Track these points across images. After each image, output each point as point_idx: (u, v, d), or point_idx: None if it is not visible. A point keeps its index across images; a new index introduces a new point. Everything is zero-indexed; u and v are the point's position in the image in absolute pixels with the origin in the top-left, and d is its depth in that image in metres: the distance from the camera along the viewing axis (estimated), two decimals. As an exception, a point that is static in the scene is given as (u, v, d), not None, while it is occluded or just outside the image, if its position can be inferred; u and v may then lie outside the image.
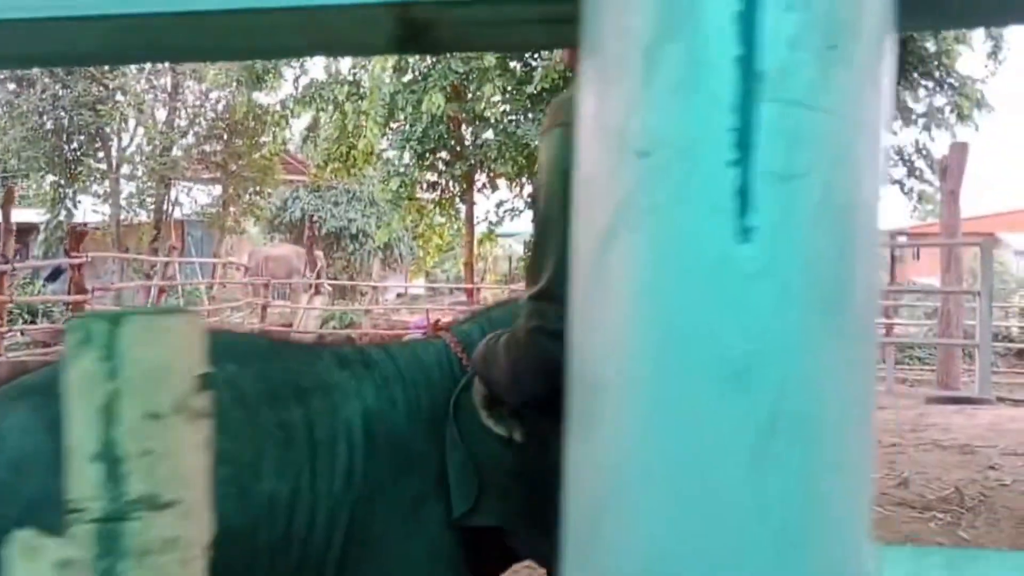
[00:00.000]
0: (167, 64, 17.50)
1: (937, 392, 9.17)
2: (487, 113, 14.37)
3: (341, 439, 1.54)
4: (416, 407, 1.59)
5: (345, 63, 15.93)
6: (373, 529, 1.51)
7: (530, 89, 14.49)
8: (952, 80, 15.29)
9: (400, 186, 15.00)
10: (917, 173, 15.97)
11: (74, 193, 16.93)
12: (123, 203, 16.77)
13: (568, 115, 1.24)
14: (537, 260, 1.26)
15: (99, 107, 16.16)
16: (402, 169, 15.25)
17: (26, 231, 19.14)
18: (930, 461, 5.90)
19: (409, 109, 15.00)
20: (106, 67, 16.34)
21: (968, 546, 4.26)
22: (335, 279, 19.77)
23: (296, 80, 15.52)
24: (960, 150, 11.32)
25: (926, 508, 4.77)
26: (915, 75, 15.39)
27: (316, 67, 16.08)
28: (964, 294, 10.38)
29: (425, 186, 16.42)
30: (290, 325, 13.90)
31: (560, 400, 1.24)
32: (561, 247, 1.20)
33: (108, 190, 16.98)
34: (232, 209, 18.05)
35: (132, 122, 16.95)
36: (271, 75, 14.80)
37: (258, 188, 17.55)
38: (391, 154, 15.58)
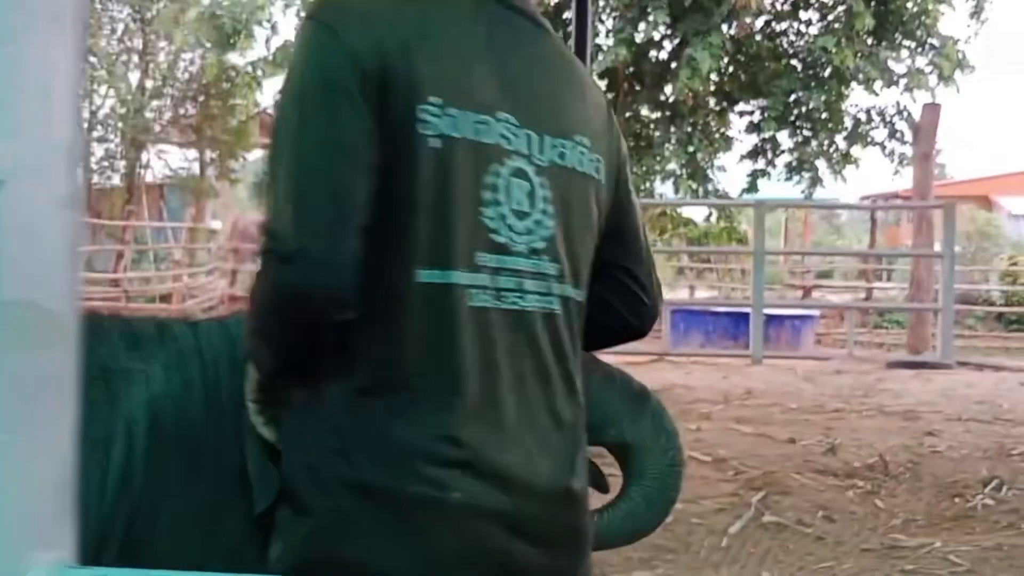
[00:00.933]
0: (138, 24, 17.26)
1: (898, 357, 9.08)
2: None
3: (119, 437, 1.27)
4: (216, 389, 1.30)
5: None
6: (156, 546, 1.23)
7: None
8: (933, 40, 15.04)
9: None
10: (898, 135, 15.74)
11: (46, 157, 16.67)
12: (94, 167, 16.58)
13: (328, 14, 1.07)
14: (272, 176, 1.06)
15: (71, 69, 15.88)
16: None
17: None
18: (868, 427, 5.81)
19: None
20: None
21: (883, 514, 4.18)
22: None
23: (268, 41, 15.29)
24: (933, 111, 11.13)
25: (849, 476, 4.67)
26: (896, 35, 15.15)
27: (287, 28, 15.83)
28: (934, 257, 10.24)
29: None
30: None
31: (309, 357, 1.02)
32: (296, 161, 1.02)
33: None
34: (209, 173, 17.89)
35: (104, 85, 16.70)
36: (241, 35, 14.55)
37: (232, 151, 17.35)
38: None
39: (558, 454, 1.15)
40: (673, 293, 15.98)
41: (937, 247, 10.46)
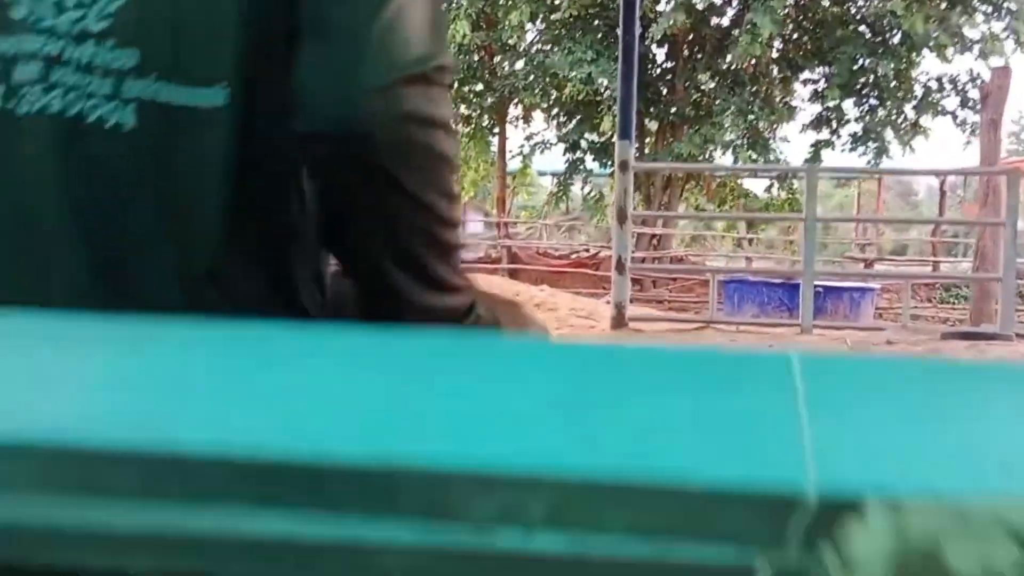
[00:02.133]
0: None
1: (953, 328, 8.75)
2: (512, 41, 14.02)
3: None
4: None
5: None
6: None
7: (558, 16, 14.09)
8: (1010, 4, 14.41)
9: (427, 118, 14.84)
10: (971, 104, 15.16)
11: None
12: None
13: None
14: None
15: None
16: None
17: None
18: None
19: (438, 39, 14.78)
20: None
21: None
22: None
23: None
24: (1002, 76, 10.65)
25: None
26: (971, -1, 14.56)
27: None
28: (999, 226, 9.84)
29: (458, 119, 16.22)
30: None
31: None
32: None
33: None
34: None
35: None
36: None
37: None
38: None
39: None
40: (731, 263, 15.70)
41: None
